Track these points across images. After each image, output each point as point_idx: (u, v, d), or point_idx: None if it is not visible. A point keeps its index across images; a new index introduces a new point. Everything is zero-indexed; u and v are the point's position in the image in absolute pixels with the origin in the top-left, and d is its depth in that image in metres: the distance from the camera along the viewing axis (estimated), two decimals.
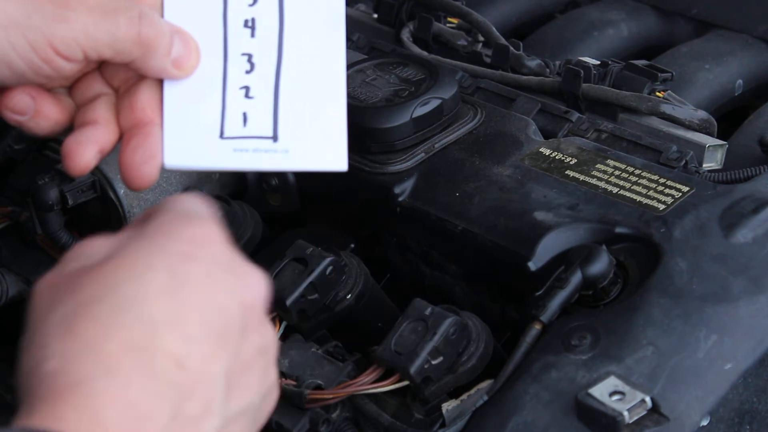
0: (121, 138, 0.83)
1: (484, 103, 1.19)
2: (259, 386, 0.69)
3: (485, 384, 0.96)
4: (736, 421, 0.93)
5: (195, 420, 0.64)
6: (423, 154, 1.12)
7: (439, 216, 1.07)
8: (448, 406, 0.96)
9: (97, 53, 0.80)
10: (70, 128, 0.84)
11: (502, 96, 1.21)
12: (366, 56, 1.25)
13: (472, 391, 0.96)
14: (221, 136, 0.83)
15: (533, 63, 1.27)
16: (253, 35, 0.84)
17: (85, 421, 0.60)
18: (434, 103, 1.12)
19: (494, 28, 1.32)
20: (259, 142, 0.83)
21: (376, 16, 1.45)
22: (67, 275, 0.68)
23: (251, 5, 0.85)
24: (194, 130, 0.83)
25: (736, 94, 1.33)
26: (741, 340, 0.92)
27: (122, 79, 0.84)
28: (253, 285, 0.71)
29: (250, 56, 0.84)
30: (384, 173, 1.11)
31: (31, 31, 0.78)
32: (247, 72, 0.84)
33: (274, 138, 0.83)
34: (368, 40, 1.35)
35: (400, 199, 1.10)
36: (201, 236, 0.69)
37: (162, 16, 0.83)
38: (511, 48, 1.28)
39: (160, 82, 0.83)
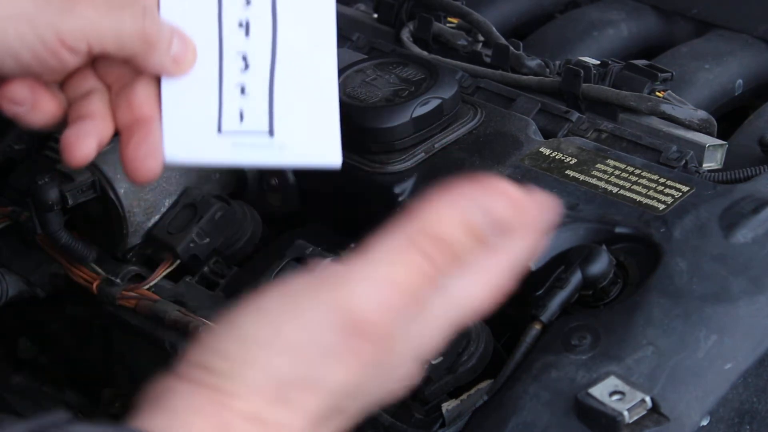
0: (119, 134, 0.84)
1: (484, 103, 1.19)
2: None
3: (485, 384, 0.96)
4: (736, 421, 0.93)
5: None
6: (423, 154, 1.12)
7: None
8: (448, 406, 0.96)
9: (101, 46, 0.81)
10: (62, 124, 0.85)
11: (502, 96, 1.21)
12: (366, 56, 1.25)
13: (472, 391, 0.96)
14: (219, 131, 0.84)
15: (533, 63, 1.26)
16: (247, 35, 0.86)
17: None
18: (434, 103, 1.12)
19: (494, 28, 1.32)
20: (255, 138, 0.85)
21: (376, 16, 1.45)
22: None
23: (245, 7, 0.87)
24: (193, 126, 0.84)
25: (736, 94, 1.33)
26: (741, 340, 0.92)
27: (116, 75, 0.85)
28: None
29: (245, 55, 0.86)
30: (384, 173, 1.11)
31: (39, 23, 0.79)
32: (242, 70, 0.86)
33: (270, 133, 0.85)
34: (368, 40, 1.35)
35: (401, 199, 1.10)
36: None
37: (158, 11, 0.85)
38: (511, 48, 1.28)
39: (156, 80, 0.84)
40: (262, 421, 0.63)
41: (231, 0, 0.86)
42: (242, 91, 0.86)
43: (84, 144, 0.82)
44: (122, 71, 0.84)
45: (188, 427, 0.62)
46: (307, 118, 0.85)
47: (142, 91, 0.84)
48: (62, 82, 0.85)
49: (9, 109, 0.84)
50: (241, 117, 0.85)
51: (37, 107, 0.84)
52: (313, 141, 0.85)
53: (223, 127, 0.85)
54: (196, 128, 0.84)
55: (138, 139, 0.82)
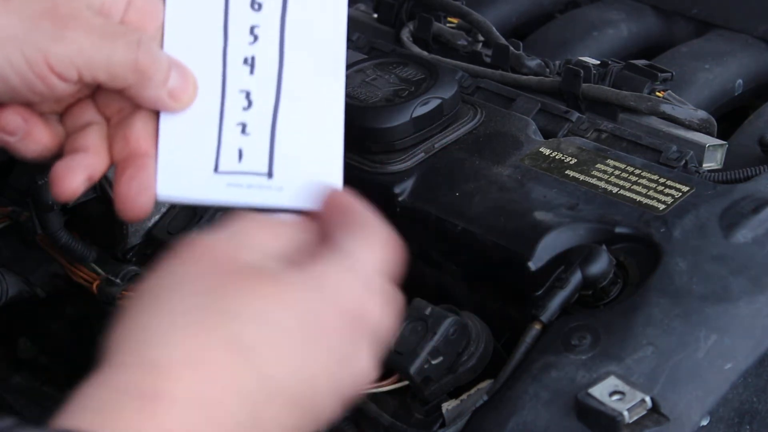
0: (114, 168, 0.82)
1: (484, 103, 1.19)
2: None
3: (485, 384, 0.96)
4: (736, 421, 0.93)
5: None
6: (423, 154, 1.12)
7: (439, 216, 1.07)
8: (448, 406, 0.96)
9: (92, 75, 0.79)
10: (57, 155, 0.83)
11: (502, 96, 1.21)
12: (366, 56, 1.25)
13: (472, 391, 0.96)
14: (216, 170, 0.82)
15: (533, 63, 1.26)
16: (252, 73, 0.84)
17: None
18: (434, 103, 1.12)
19: (494, 28, 1.32)
20: (253, 179, 0.82)
21: (376, 16, 1.45)
22: (219, 263, 0.70)
23: (252, 44, 0.84)
24: (189, 163, 0.82)
25: (736, 94, 1.33)
26: (741, 340, 0.92)
27: (115, 108, 0.83)
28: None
29: (248, 93, 0.84)
30: (384, 173, 1.11)
31: (28, 47, 0.78)
32: (245, 109, 0.84)
33: (269, 175, 0.83)
34: (368, 40, 1.35)
35: (400, 199, 1.10)
36: (351, 311, 0.71)
37: (161, 47, 0.83)
38: (511, 48, 1.28)
39: (156, 115, 0.83)
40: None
41: (238, 36, 0.84)
42: (243, 130, 0.83)
43: (72, 178, 0.81)
44: (123, 104, 0.83)
45: (117, 415, 0.62)
46: (309, 163, 0.83)
47: (140, 125, 0.82)
48: (62, 113, 0.84)
49: (1, 137, 0.82)
50: (240, 156, 0.83)
51: (30, 137, 0.82)
52: (313, 185, 0.82)
53: (221, 167, 0.82)
54: (192, 165, 0.82)
55: (131, 173, 0.81)
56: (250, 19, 0.85)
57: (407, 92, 1.13)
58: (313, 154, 0.83)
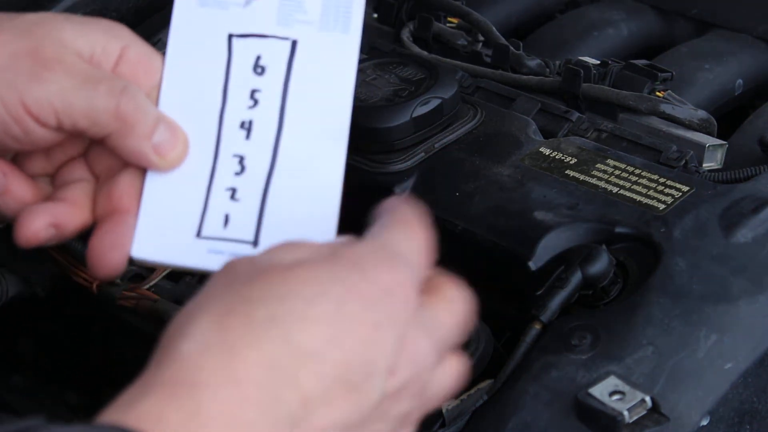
0: (95, 225, 0.80)
1: (484, 103, 1.19)
2: None
3: (485, 384, 0.96)
4: (736, 421, 0.93)
5: None
6: (423, 154, 1.12)
7: (439, 216, 1.07)
8: (448, 406, 0.96)
9: (71, 120, 0.76)
10: None
11: (502, 96, 1.21)
12: (366, 56, 1.25)
13: (472, 391, 0.96)
14: (198, 235, 0.80)
15: (533, 63, 1.26)
16: (248, 137, 0.82)
17: (186, 427, 0.60)
18: (434, 103, 1.12)
19: (494, 28, 1.32)
20: (237, 246, 0.80)
21: (376, 16, 1.45)
22: (254, 265, 0.67)
23: (251, 108, 0.82)
24: (170, 225, 0.80)
25: (736, 94, 1.33)
26: (741, 340, 0.92)
27: (106, 166, 0.81)
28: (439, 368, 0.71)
29: (242, 158, 0.81)
30: (384, 173, 1.11)
31: (4, 85, 0.75)
32: (237, 174, 0.81)
33: (255, 243, 0.80)
34: (368, 40, 1.35)
35: None
36: (389, 284, 0.68)
37: (156, 103, 0.81)
38: (511, 48, 1.28)
39: (144, 173, 0.80)
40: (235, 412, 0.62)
41: (237, 99, 0.82)
42: (233, 195, 0.81)
43: (33, 221, 0.77)
44: (113, 162, 0.80)
45: (160, 415, 0.61)
46: (300, 233, 0.78)
47: (126, 182, 0.79)
48: (54, 174, 0.81)
49: None
50: (226, 222, 0.80)
51: (9, 194, 0.79)
52: None
53: (204, 232, 0.80)
54: (173, 227, 0.79)
55: (107, 228, 0.78)
56: (251, 83, 0.83)
57: (407, 92, 1.13)
58: (305, 224, 0.80)
